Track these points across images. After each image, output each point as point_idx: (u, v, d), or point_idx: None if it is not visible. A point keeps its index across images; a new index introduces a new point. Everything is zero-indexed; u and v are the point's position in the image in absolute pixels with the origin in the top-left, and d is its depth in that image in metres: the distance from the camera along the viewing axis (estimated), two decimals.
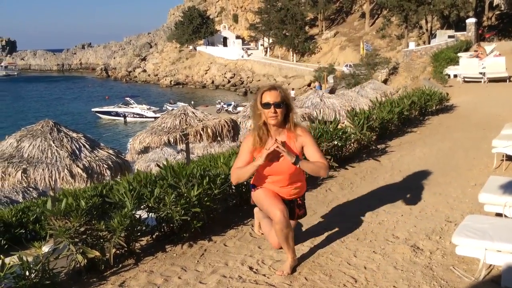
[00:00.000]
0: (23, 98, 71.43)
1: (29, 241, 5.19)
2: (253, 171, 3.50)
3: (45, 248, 4.33)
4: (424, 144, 7.97)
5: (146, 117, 45.51)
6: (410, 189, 5.58)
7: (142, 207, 4.41)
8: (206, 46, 77.08)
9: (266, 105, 3.38)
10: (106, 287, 3.65)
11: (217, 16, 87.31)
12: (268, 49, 72.09)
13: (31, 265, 3.51)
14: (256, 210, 4.09)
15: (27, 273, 3.45)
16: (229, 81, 67.88)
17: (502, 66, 16.90)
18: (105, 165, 7.06)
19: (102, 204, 4.68)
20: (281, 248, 3.77)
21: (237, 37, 77.78)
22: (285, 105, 3.42)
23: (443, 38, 35.54)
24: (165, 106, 46.82)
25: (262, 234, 4.16)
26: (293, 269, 3.60)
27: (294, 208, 3.72)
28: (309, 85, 51.57)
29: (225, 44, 77.11)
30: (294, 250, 3.64)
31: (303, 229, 4.50)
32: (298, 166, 3.36)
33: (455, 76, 18.99)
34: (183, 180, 4.45)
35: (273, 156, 3.42)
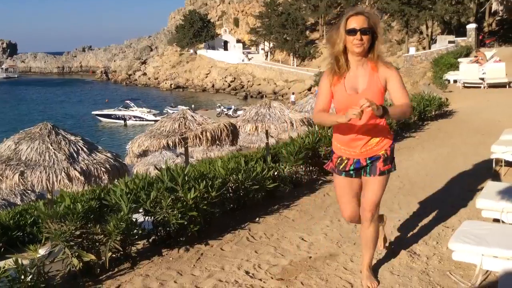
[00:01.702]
0: (23, 100, 71.45)
1: (27, 244, 5.18)
2: (333, 124, 3.14)
3: (41, 251, 4.33)
4: (422, 149, 7.96)
5: (146, 120, 45.51)
6: (407, 194, 5.57)
7: (140, 210, 4.40)
8: (207, 50, 77.15)
9: (352, 32, 2.99)
10: None
11: (218, 20, 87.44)
12: (269, 53, 72.20)
13: (27, 268, 3.49)
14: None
15: (22, 276, 3.43)
16: (229, 85, 67.90)
17: (502, 71, 16.92)
18: (102, 168, 7.04)
19: (100, 207, 4.67)
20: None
21: (238, 41, 77.88)
22: (371, 32, 3.04)
23: (443, 43, 35.62)
24: (165, 109, 46.83)
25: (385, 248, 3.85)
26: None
27: (375, 164, 3.20)
28: (309, 89, 51.59)
29: (225, 48, 77.21)
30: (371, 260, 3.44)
31: (300, 233, 4.49)
32: (388, 116, 2.93)
33: (455, 81, 19.01)
34: (180, 180, 4.43)
35: (350, 86, 3.09)
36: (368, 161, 3.20)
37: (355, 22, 3.00)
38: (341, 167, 3.25)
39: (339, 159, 3.27)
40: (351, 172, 3.24)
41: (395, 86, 3.08)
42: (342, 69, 3.11)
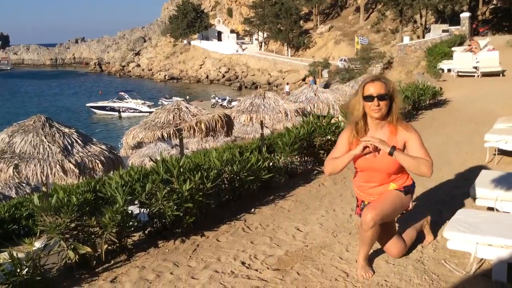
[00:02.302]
0: (16, 93, 70.98)
1: (23, 237, 5.17)
2: (348, 161, 3.25)
3: (37, 244, 4.32)
4: None
5: (141, 111, 45.37)
6: None
7: (135, 202, 4.40)
8: (201, 41, 76.79)
9: (369, 98, 3.12)
10: (97, 283, 3.63)
11: (211, 10, 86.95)
12: (263, 43, 71.96)
13: (22, 262, 3.49)
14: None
15: (18, 269, 3.43)
16: (223, 76, 67.70)
17: (496, 60, 16.94)
18: (97, 161, 7.02)
19: (95, 199, 4.66)
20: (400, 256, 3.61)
21: (232, 31, 77.54)
22: (389, 97, 3.14)
23: (437, 32, 35.60)
24: (160, 100, 46.68)
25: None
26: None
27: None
28: (304, 79, 51.53)
29: (219, 39, 76.87)
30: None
31: (295, 223, 4.50)
32: (394, 157, 3.08)
33: (449, 70, 19.02)
34: (175, 172, 4.43)
35: (370, 151, 3.18)
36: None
37: (373, 89, 3.12)
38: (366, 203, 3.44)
39: (363, 203, 3.47)
40: None
41: (414, 147, 3.17)
42: (361, 133, 3.24)
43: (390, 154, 3.08)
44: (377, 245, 3.87)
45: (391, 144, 3.13)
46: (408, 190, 3.40)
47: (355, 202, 5.02)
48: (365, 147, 3.12)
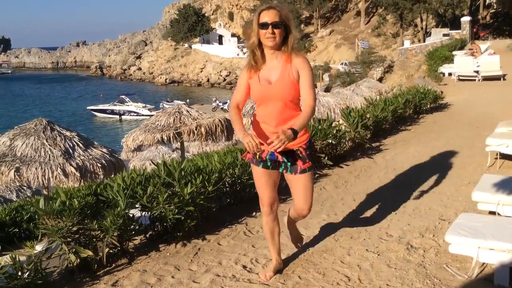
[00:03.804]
0: (17, 96, 71.07)
1: (23, 240, 5.17)
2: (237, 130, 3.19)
3: (38, 248, 4.32)
4: (418, 142, 7.98)
5: (142, 115, 45.43)
6: (404, 187, 5.59)
7: (136, 206, 4.40)
8: (202, 44, 76.93)
9: (264, 25, 3.08)
10: (99, 287, 3.63)
11: (212, 14, 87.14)
12: None
13: (24, 265, 3.49)
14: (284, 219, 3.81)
15: (19, 273, 3.43)
16: (224, 79, 67.81)
17: (497, 64, 16.95)
18: (98, 164, 7.03)
19: (96, 203, 4.66)
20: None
21: (233, 35, 77.66)
22: (284, 26, 3.11)
23: (438, 36, 35.69)
24: (161, 104, 46.75)
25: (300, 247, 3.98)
26: (277, 272, 3.53)
27: (295, 159, 3.25)
28: None
29: (220, 42, 77.00)
30: (280, 251, 3.57)
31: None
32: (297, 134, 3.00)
33: (450, 74, 19.03)
34: (176, 175, 4.43)
35: (264, 77, 3.18)
36: (284, 158, 3.25)
37: (267, 16, 3.09)
38: (257, 156, 3.29)
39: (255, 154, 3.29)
40: (269, 164, 3.29)
41: (304, 82, 3.15)
42: (259, 63, 3.21)
43: (295, 135, 2.97)
44: (378, 249, 3.87)
45: (284, 73, 3.12)
46: (311, 160, 3.30)
47: (355, 205, 5.06)
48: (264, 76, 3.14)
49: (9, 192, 14.28)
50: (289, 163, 3.26)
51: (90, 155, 7.17)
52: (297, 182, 3.31)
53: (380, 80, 32.02)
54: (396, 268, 3.54)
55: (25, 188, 14.59)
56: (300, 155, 3.25)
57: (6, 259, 3.55)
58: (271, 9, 3.11)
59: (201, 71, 73.28)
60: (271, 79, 3.16)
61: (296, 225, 3.89)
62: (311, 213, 4.88)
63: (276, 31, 3.08)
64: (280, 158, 3.26)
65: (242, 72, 3.32)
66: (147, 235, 4.44)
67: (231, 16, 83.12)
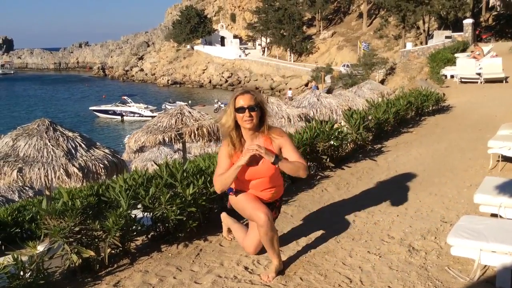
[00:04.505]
0: (20, 97, 71.20)
1: (25, 240, 5.17)
2: (235, 173, 3.39)
3: (40, 248, 4.32)
4: (420, 145, 7.98)
5: (144, 116, 45.50)
6: (406, 189, 5.59)
7: (138, 206, 4.40)
8: (204, 46, 77.00)
9: (240, 109, 3.32)
10: (100, 287, 3.64)
11: (214, 16, 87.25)
12: (266, 48, 72.14)
13: (26, 265, 3.49)
14: (223, 215, 4.15)
15: (21, 273, 3.44)
16: (226, 81, 67.85)
17: (499, 67, 16.91)
18: (101, 165, 7.04)
19: (98, 203, 4.66)
20: (257, 253, 3.81)
21: (235, 36, 77.77)
22: (259, 109, 3.37)
23: (440, 38, 35.65)
24: (164, 105, 46.81)
25: (232, 239, 4.23)
26: (279, 273, 3.55)
27: (273, 210, 3.67)
28: (306, 85, 51.62)
29: (222, 44, 77.07)
30: (280, 254, 3.60)
31: (298, 228, 4.50)
32: (277, 166, 3.34)
33: (452, 76, 19.00)
34: (179, 176, 4.43)
35: (253, 160, 3.38)
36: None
37: (243, 101, 3.33)
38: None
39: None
40: None
41: (289, 151, 3.45)
42: (237, 146, 3.44)
43: (274, 163, 3.31)
44: (380, 250, 3.87)
45: (269, 150, 3.36)
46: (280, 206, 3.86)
47: (357, 207, 5.05)
48: (251, 156, 3.30)
49: (11, 192, 14.32)
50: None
51: (93, 155, 7.18)
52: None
53: (382, 82, 32.03)
54: (397, 270, 3.54)
55: (27, 188, 14.62)
56: (276, 205, 3.73)
57: (8, 259, 3.55)
58: (246, 93, 3.36)
59: (203, 73, 73.34)
60: (257, 160, 3.39)
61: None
62: (312, 214, 4.90)
63: (252, 113, 3.34)
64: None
65: (223, 149, 3.51)
66: (149, 236, 4.44)
67: (233, 18, 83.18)
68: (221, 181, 3.42)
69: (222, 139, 3.76)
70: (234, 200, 3.62)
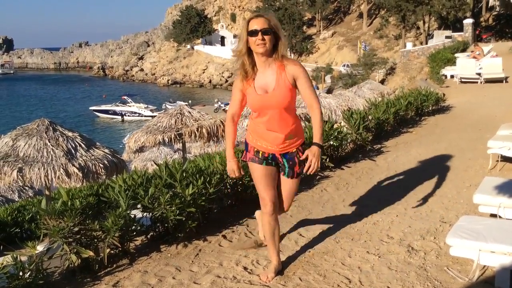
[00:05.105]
0: (19, 97, 71.20)
1: (24, 240, 5.18)
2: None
3: (40, 248, 4.33)
4: (420, 145, 7.98)
5: (144, 115, 45.51)
6: (405, 189, 5.58)
7: (138, 206, 4.40)
8: (204, 45, 77.03)
9: (253, 33, 3.13)
10: (100, 287, 3.64)
11: (215, 15, 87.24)
12: None
13: (25, 265, 3.49)
14: (258, 214, 3.99)
15: (20, 273, 3.44)
16: (226, 81, 67.88)
17: (499, 66, 16.91)
18: (100, 164, 7.04)
19: (97, 203, 4.67)
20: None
21: (235, 36, 77.61)
22: (273, 33, 3.17)
23: (440, 38, 35.65)
24: (164, 105, 46.83)
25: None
26: (278, 273, 3.54)
27: (294, 163, 3.39)
28: None
29: (222, 44, 77.07)
30: (279, 253, 3.58)
31: (298, 228, 4.50)
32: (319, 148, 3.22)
33: (452, 76, 19.00)
34: (178, 176, 4.43)
35: (260, 87, 3.23)
36: (284, 159, 3.40)
37: (256, 24, 3.15)
38: (260, 155, 3.40)
39: (255, 149, 3.42)
40: (270, 160, 3.41)
41: (304, 86, 3.26)
42: (249, 72, 3.25)
43: (321, 148, 3.26)
44: (379, 251, 3.87)
45: (280, 81, 3.18)
46: (302, 165, 3.36)
47: (357, 207, 5.05)
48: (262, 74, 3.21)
49: (11, 192, 14.32)
50: (287, 168, 3.42)
51: (92, 155, 7.18)
52: (288, 184, 3.50)
53: (382, 82, 32.03)
54: (397, 270, 3.54)
55: (27, 188, 14.62)
56: (298, 157, 3.38)
57: (7, 259, 3.55)
58: (260, 17, 3.18)
59: (203, 72, 73.37)
60: (268, 87, 3.22)
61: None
62: (312, 215, 4.90)
63: (265, 37, 3.13)
64: (281, 160, 3.41)
65: (235, 83, 3.40)
66: (148, 236, 4.44)
67: (233, 18, 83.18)
68: (225, 131, 3.52)
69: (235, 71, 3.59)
70: (250, 166, 3.46)
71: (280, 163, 3.42)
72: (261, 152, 3.38)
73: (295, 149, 3.39)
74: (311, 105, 3.30)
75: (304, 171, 3.25)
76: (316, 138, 3.26)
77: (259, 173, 3.41)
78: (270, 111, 3.24)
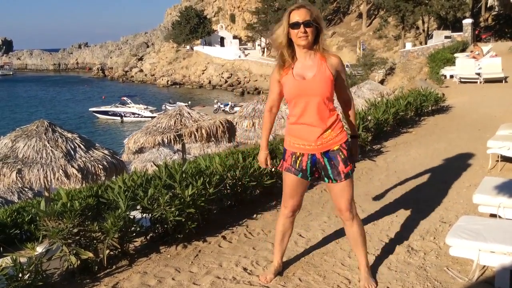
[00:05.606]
0: (19, 98, 71.17)
1: (24, 242, 5.17)
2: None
3: (39, 249, 4.32)
4: (419, 145, 7.98)
5: (143, 116, 45.49)
6: (405, 189, 5.58)
7: (137, 207, 4.40)
8: (203, 46, 76.99)
9: (295, 25, 3.05)
10: None
11: (214, 16, 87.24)
12: (266, 49, 72.08)
13: (24, 266, 3.49)
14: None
15: (20, 274, 3.43)
16: (226, 81, 67.84)
17: (498, 66, 16.91)
18: (100, 166, 7.04)
19: (97, 204, 4.66)
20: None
21: (234, 37, 77.73)
22: (314, 25, 3.09)
23: (439, 38, 35.67)
24: (164, 105, 46.81)
25: None
26: (278, 274, 3.53)
27: (337, 162, 3.16)
28: None
29: (222, 44, 77.05)
30: (283, 255, 3.57)
31: (298, 229, 4.49)
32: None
33: (451, 76, 19.01)
34: (177, 177, 4.43)
35: (298, 74, 3.14)
36: (325, 159, 3.18)
37: (298, 16, 3.07)
38: (297, 165, 3.23)
39: (293, 156, 3.25)
40: (308, 174, 3.24)
41: (342, 82, 3.25)
42: (287, 63, 3.18)
43: (357, 137, 3.46)
44: (379, 251, 3.86)
45: (321, 69, 3.11)
46: (352, 162, 3.24)
47: (356, 207, 5.04)
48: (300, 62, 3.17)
49: (11, 194, 14.31)
50: (330, 170, 3.17)
51: (92, 156, 7.18)
52: (340, 188, 3.22)
53: (382, 82, 32.04)
54: (396, 270, 3.53)
55: (26, 189, 14.60)
56: (342, 156, 3.17)
57: (6, 261, 3.55)
58: (302, 8, 3.10)
59: (202, 73, 73.34)
60: (307, 75, 3.12)
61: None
62: (311, 215, 4.89)
63: (308, 30, 3.06)
64: (320, 157, 3.18)
65: (272, 76, 3.31)
66: (148, 237, 4.44)
67: (232, 18, 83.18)
68: (263, 122, 3.52)
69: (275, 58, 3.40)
70: (283, 175, 3.35)
71: (322, 165, 3.18)
72: (298, 162, 3.21)
73: (337, 147, 3.17)
74: (349, 100, 3.33)
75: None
76: (355, 131, 3.40)
77: (290, 182, 3.30)
78: (307, 99, 3.11)
